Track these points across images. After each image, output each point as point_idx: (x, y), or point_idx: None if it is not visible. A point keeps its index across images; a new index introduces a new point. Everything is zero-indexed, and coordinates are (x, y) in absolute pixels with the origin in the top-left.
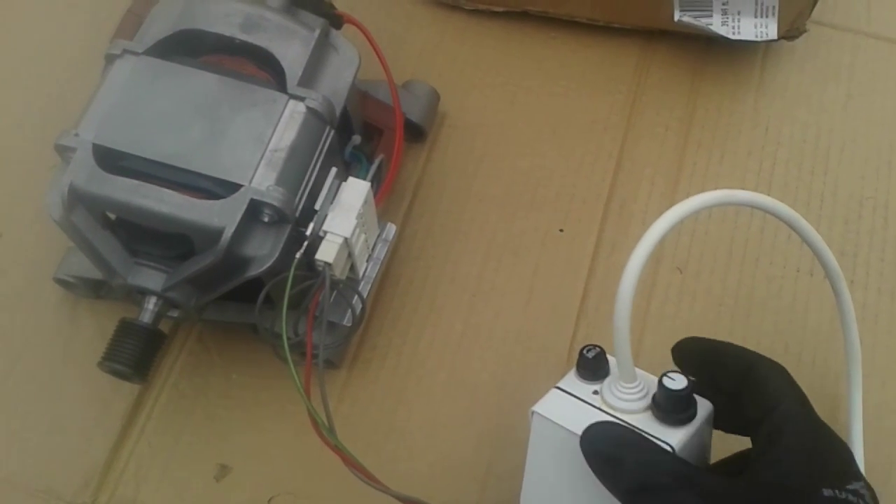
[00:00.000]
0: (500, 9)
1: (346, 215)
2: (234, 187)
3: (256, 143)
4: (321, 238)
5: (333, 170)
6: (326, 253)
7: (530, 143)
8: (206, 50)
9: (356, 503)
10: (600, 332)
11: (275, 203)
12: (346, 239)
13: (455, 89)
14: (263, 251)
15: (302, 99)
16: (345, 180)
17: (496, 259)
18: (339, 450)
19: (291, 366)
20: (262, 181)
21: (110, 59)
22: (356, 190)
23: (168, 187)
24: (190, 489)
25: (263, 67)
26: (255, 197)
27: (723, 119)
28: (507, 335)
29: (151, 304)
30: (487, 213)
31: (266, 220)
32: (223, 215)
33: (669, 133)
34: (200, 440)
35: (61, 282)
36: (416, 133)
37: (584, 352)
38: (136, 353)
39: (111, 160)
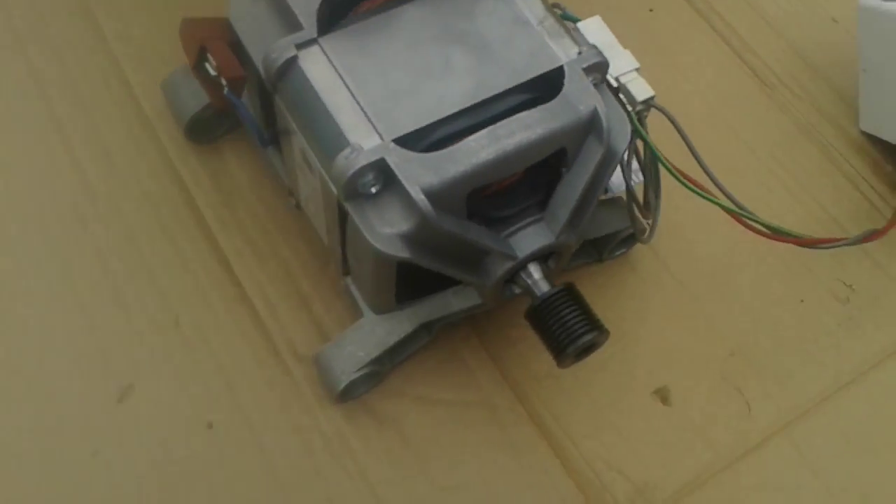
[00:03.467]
0: None
1: (614, 51)
2: (553, 75)
3: (524, 27)
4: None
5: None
6: (643, 89)
7: None
8: None
9: None
10: None
11: (600, 59)
12: (637, 69)
13: None
14: (611, 120)
15: None
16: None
17: None
18: None
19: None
20: (568, 50)
21: (302, 59)
22: (594, 26)
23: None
24: None
25: None
26: (584, 65)
27: None
28: None
29: (538, 272)
30: None
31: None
32: (580, 97)
33: None
34: None
35: (346, 392)
36: None
37: None
38: (585, 316)
39: (415, 148)
